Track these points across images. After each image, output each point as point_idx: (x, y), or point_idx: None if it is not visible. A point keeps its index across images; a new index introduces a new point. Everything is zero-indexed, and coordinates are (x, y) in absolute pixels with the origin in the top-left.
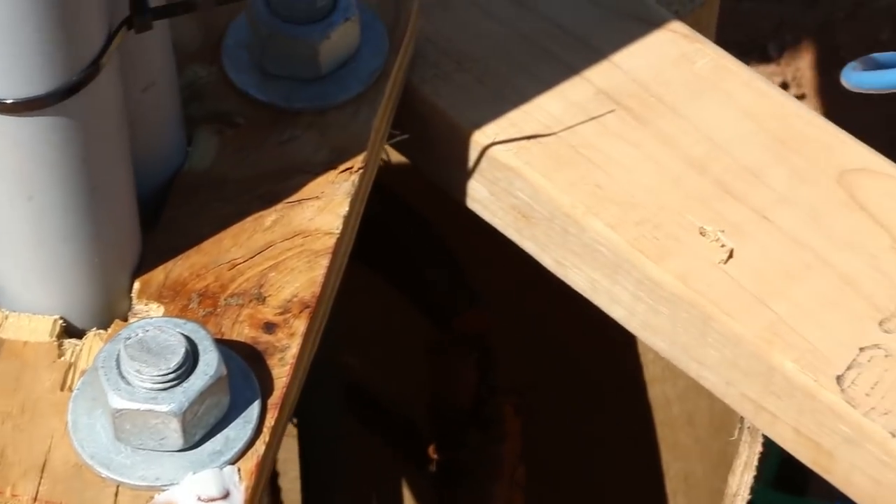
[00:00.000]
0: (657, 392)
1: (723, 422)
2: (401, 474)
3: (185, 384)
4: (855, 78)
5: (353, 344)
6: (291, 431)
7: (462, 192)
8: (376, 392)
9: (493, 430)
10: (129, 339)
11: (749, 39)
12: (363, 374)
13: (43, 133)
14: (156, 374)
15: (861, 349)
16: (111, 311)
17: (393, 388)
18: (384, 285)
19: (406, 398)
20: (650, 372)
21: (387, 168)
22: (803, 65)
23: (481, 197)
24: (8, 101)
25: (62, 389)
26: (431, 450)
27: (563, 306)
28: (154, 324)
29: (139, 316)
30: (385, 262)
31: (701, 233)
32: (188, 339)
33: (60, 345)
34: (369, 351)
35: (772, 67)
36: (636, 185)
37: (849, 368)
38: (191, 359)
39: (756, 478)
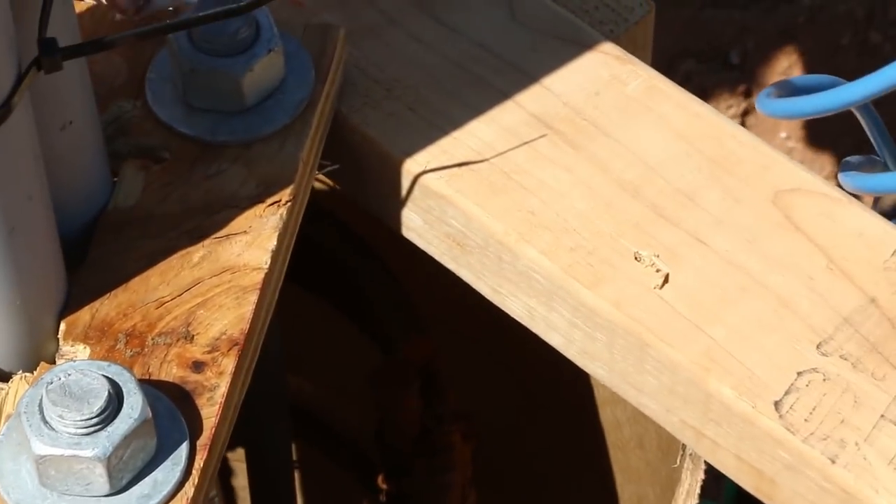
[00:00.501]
0: (608, 414)
1: (670, 446)
2: (359, 498)
3: (109, 428)
4: (769, 106)
5: (303, 368)
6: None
7: (397, 221)
8: (326, 417)
9: (440, 459)
10: (52, 383)
11: (711, 47)
12: (313, 399)
13: None
14: (79, 418)
15: (799, 373)
16: (37, 354)
17: (343, 414)
18: (333, 310)
19: (356, 424)
20: (600, 394)
21: (329, 193)
22: (766, 71)
23: (416, 226)
24: None
25: None
26: (380, 479)
27: (509, 328)
28: (77, 367)
29: (66, 358)
30: (330, 288)
31: (636, 258)
32: (112, 381)
33: None
34: (319, 375)
35: (735, 74)
36: (569, 210)
37: (787, 393)
38: (115, 402)
39: (716, 500)
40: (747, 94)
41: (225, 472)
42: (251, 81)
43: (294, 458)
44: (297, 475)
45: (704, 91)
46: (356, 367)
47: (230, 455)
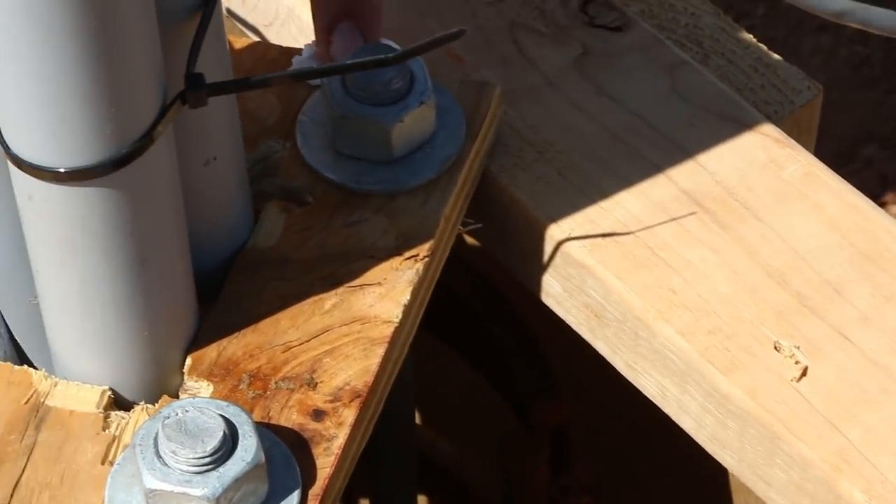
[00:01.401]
0: (741, 502)
1: None
2: None
3: (221, 469)
4: None
5: (436, 421)
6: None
7: (536, 286)
8: (456, 473)
9: None
10: (169, 418)
11: None
12: (443, 454)
13: (91, 204)
14: (192, 456)
15: None
16: (161, 386)
17: (473, 472)
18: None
19: (485, 483)
20: (735, 480)
21: (474, 248)
22: None
23: (555, 292)
24: (59, 171)
25: (103, 463)
26: None
27: (644, 403)
28: (195, 404)
29: (189, 393)
30: (467, 343)
31: (775, 347)
32: (229, 422)
33: (107, 416)
34: (452, 431)
35: None
36: (712, 292)
37: None
38: (229, 443)
39: None
40: None
41: None
42: (400, 133)
43: None
44: None
45: (885, 178)
46: (489, 426)
47: None
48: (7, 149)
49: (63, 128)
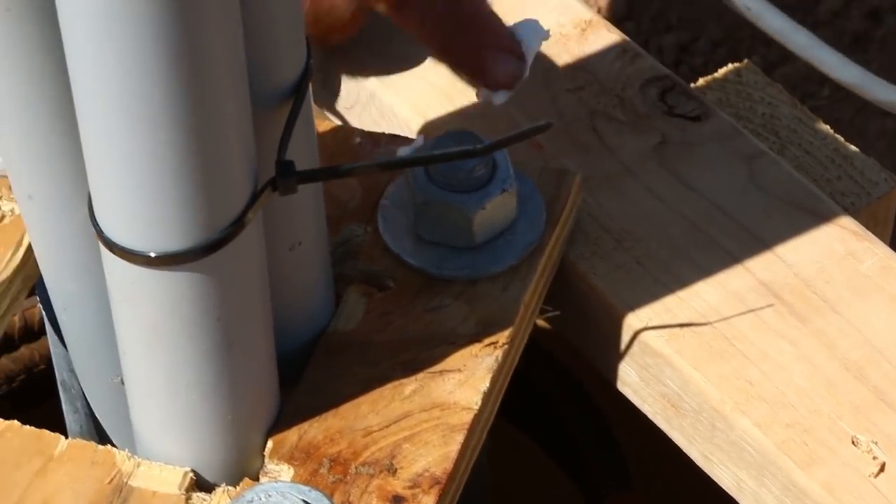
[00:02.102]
0: None
1: None
2: None
3: None
4: None
5: None
6: None
7: (613, 374)
8: None
9: None
10: (251, 502)
11: None
12: None
13: (181, 288)
14: None
15: None
16: (242, 468)
17: None
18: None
19: None
20: None
21: (549, 333)
22: None
23: (631, 381)
24: (149, 255)
25: None
26: None
27: (721, 496)
28: (278, 489)
29: (269, 476)
30: (541, 430)
31: (853, 442)
32: None
33: (188, 498)
34: None
35: None
36: (789, 384)
37: None
38: None
39: None
40: None
41: None
42: (482, 219)
43: None
44: None
45: None
46: None
47: None
48: (100, 232)
49: (157, 213)
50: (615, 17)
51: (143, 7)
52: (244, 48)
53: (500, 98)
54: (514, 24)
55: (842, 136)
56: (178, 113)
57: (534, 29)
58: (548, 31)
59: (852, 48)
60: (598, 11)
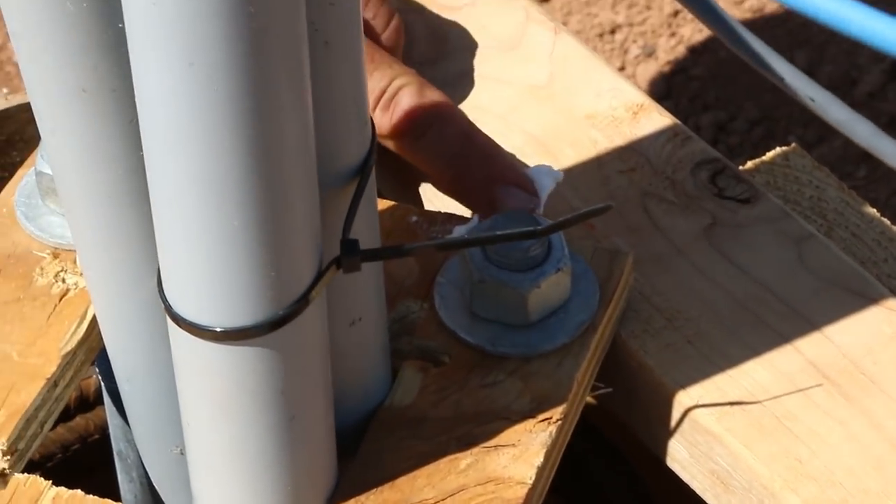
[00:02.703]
0: None
1: None
2: None
3: None
4: None
5: None
6: None
7: (663, 450)
8: None
9: None
10: None
11: None
12: None
13: (246, 362)
14: None
15: None
16: None
17: None
18: None
19: None
20: None
21: (596, 408)
22: None
23: (681, 458)
24: (216, 330)
25: None
26: None
27: None
28: None
29: None
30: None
31: None
32: None
33: None
34: None
35: None
36: (838, 463)
37: None
38: None
39: None
40: None
41: None
42: (537, 298)
43: None
44: None
45: None
46: None
47: None
48: (168, 306)
49: (225, 290)
50: (655, 96)
51: (220, 97)
52: (314, 132)
53: None
54: (527, 168)
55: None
56: (250, 196)
57: (547, 171)
58: (560, 172)
59: (889, 129)
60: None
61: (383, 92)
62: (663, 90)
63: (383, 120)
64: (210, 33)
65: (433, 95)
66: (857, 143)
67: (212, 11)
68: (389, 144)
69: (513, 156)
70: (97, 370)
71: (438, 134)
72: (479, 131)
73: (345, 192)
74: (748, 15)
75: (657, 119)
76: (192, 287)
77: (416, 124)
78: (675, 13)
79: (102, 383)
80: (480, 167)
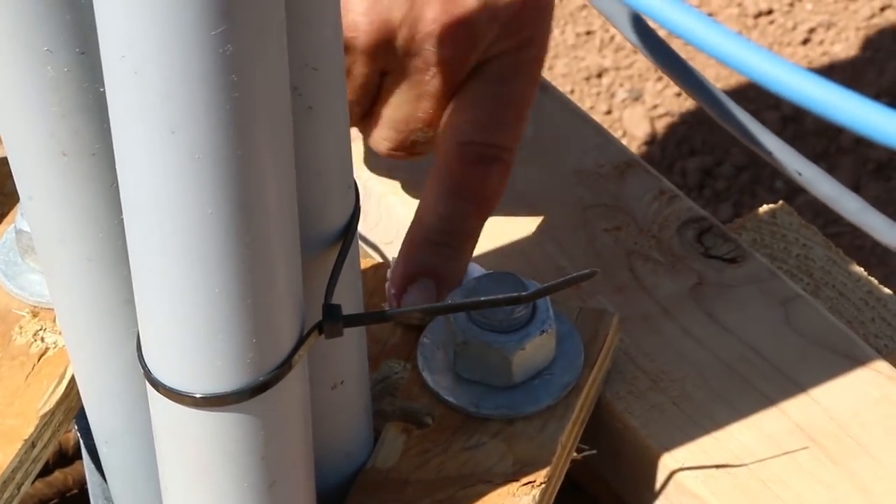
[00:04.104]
0: None
1: None
2: None
3: None
4: None
5: None
6: None
7: None
8: None
9: None
10: None
11: None
12: None
13: (227, 428)
14: None
15: None
16: None
17: None
18: None
19: None
20: None
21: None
22: None
23: None
24: (196, 396)
25: None
26: None
27: None
28: None
29: None
30: None
31: None
32: None
33: None
34: None
35: None
36: None
37: None
38: None
39: None
40: None
41: None
42: (521, 360)
43: None
44: None
45: None
46: None
47: None
48: (147, 371)
49: (205, 355)
50: (641, 140)
51: (202, 164)
52: (296, 197)
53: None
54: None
55: (863, 265)
56: (232, 263)
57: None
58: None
59: (875, 175)
60: (624, 134)
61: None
62: (650, 134)
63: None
64: (192, 101)
65: None
66: (845, 218)
67: (194, 80)
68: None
69: None
70: (76, 427)
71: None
72: None
73: (327, 256)
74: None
75: (643, 177)
76: (171, 352)
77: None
78: None
79: (81, 440)
80: None
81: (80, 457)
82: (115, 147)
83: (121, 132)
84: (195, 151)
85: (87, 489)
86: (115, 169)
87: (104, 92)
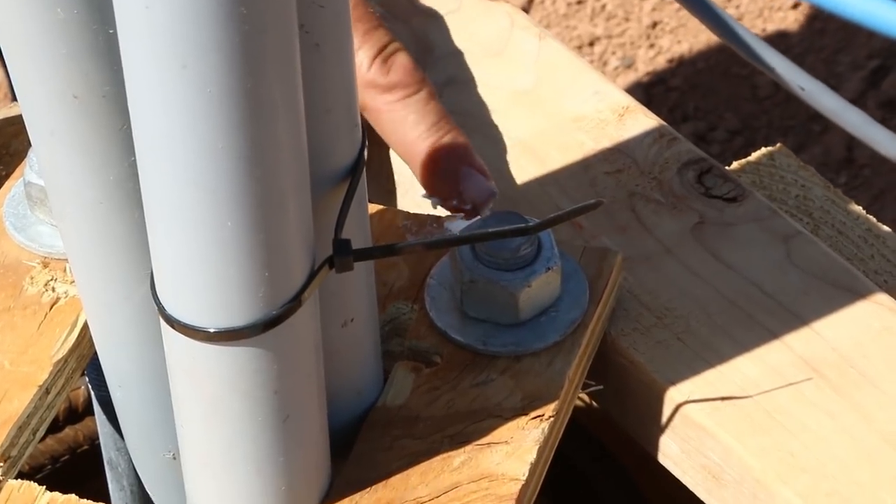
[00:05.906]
0: None
1: None
2: None
3: None
4: None
5: None
6: None
7: (654, 447)
8: None
9: None
10: None
11: None
12: None
13: (240, 363)
14: None
15: None
16: None
17: None
18: None
19: None
20: None
21: (585, 410)
22: None
23: (672, 453)
24: (210, 331)
25: None
26: None
27: None
28: None
29: None
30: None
31: None
32: None
33: None
34: None
35: None
36: (829, 456)
37: None
38: None
39: None
40: None
41: None
42: (527, 297)
43: None
44: None
45: None
46: None
47: None
48: (161, 308)
49: (218, 290)
50: None
51: (213, 99)
52: (306, 133)
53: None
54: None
55: None
56: (243, 198)
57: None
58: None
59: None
60: None
61: (384, 48)
62: (643, 101)
63: (379, 73)
64: (202, 35)
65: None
66: (848, 131)
67: (204, 13)
68: (380, 102)
69: None
70: (87, 380)
71: (429, 95)
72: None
73: (336, 193)
74: None
75: (643, 121)
76: (185, 289)
77: (412, 80)
78: (654, 25)
79: (92, 392)
80: (453, 144)
81: (90, 413)
82: (126, 84)
83: (133, 68)
84: (206, 85)
85: (97, 445)
86: (125, 111)
87: (114, 34)
